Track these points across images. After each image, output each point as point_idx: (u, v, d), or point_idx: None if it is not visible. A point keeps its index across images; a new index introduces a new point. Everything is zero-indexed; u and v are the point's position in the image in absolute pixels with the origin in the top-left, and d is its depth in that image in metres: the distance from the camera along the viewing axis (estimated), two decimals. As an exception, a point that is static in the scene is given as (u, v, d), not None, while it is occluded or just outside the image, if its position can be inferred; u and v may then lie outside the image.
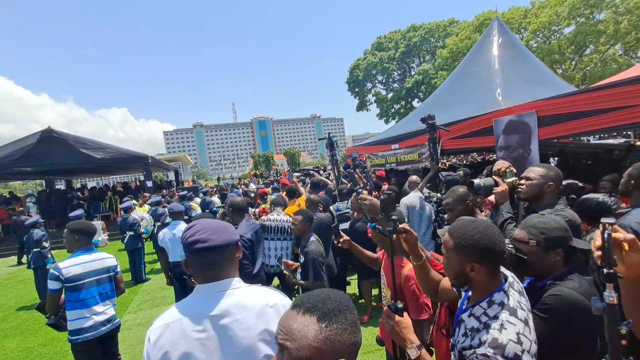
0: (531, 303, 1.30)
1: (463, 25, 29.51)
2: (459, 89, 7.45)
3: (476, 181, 2.33)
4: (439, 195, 3.99)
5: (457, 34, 28.45)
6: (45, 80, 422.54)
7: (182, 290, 4.31)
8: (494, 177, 2.37)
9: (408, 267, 2.05)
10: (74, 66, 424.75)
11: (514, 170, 2.38)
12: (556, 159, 8.28)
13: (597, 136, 11.25)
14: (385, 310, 1.39)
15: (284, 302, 1.18)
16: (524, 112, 4.06)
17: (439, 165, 4.34)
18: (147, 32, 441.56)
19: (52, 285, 2.73)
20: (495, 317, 1.15)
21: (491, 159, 11.08)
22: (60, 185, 22.24)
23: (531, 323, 1.18)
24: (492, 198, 2.34)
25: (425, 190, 4.26)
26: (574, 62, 22.67)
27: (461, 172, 5.32)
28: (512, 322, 1.12)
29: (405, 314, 1.36)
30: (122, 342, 4.35)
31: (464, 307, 1.33)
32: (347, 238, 2.47)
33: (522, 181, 2.19)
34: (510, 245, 1.53)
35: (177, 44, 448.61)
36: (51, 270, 2.75)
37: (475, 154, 17.96)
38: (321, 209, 4.39)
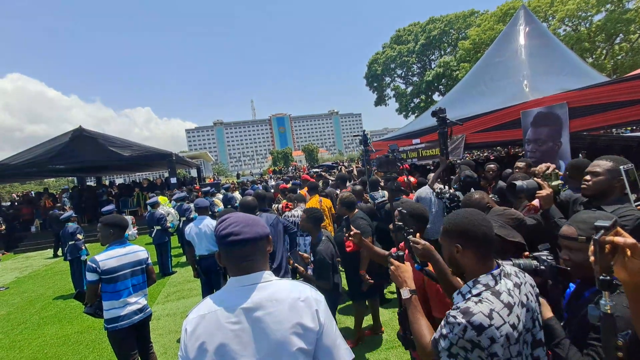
0: (576, 314, 1.24)
1: (485, 15, 28.45)
2: (483, 80, 7.23)
3: (518, 183, 2.18)
4: (451, 191, 3.91)
5: (479, 25, 27.50)
6: (75, 82, 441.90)
7: (208, 282, 4.44)
8: (536, 179, 2.21)
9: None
10: (100, 68, 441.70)
11: (560, 173, 2.23)
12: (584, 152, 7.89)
13: (629, 128, 10.64)
14: (388, 257, 1.61)
15: (316, 296, 1.19)
16: (554, 103, 3.90)
17: (448, 160, 4.25)
18: (168, 34, 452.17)
19: (90, 277, 2.88)
20: (477, 295, 1.19)
21: (518, 154, 10.71)
22: (91, 182, 23.24)
23: (517, 311, 1.17)
24: (536, 202, 2.20)
25: (437, 186, 4.17)
26: (604, 51, 21.50)
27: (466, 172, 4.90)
28: (491, 300, 1.15)
29: (407, 262, 1.56)
30: (152, 331, 4.50)
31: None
32: (358, 231, 2.29)
33: (588, 177, 2.00)
34: (551, 257, 1.47)
35: (197, 44, 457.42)
36: (89, 263, 2.89)
37: (499, 147, 17.39)
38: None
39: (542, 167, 2.28)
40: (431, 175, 4.66)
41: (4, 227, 12.32)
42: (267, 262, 1.24)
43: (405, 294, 1.44)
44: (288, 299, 1.13)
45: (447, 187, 4.01)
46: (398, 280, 1.51)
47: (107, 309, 2.91)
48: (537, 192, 2.13)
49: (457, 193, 3.94)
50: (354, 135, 6.86)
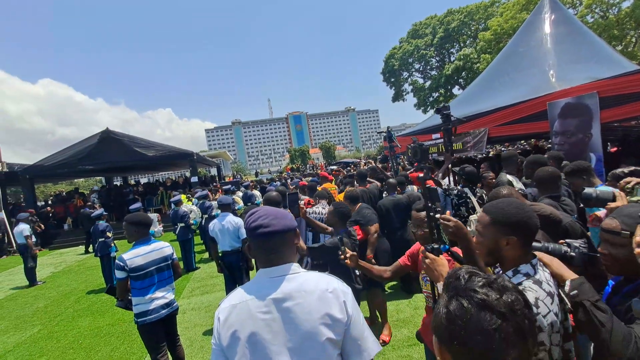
0: (614, 311, 1.16)
1: (508, 4, 27.42)
2: (507, 71, 6.99)
3: (588, 190, 1.96)
4: (458, 187, 3.84)
5: (501, 14, 26.55)
6: (100, 86, 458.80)
7: (231, 277, 4.54)
8: (615, 190, 1.99)
9: None
10: (123, 71, 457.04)
11: None
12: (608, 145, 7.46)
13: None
14: (422, 251, 1.53)
15: (343, 287, 1.21)
16: (583, 93, 3.73)
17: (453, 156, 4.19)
18: (186, 36, 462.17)
19: (118, 274, 3.01)
20: (519, 284, 1.15)
21: (544, 147, 10.30)
22: (118, 182, 24.18)
23: (557, 300, 1.17)
24: (601, 213, 2.03)
25: (444, 182, 4.10)
26: (634, 39, 20.31)
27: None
28: (534, 289, 1.13)
29: (441, 256, 1.49)
30: (179, 324, 4.66)
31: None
32: (354, 254, 2.12)
33: None
34: (584, 245, 1.43)
35: (214, 44, 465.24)
36: (117, 262, 3.03)
37: (523, 141, 16.74)
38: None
39: (628, 180, 2.06)
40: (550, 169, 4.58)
41: (42, 226, 13.05)
42: (295, 254, 1.27)
43: (441, 288, 1.40)
44: (317, 290, 1.15)
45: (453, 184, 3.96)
46: (434, 275, 1.46)
47: (135, 304, 3.04)
48: (610, 203, 1.91)
49: (465, 189, 3.91)
50: (379, 132, 6.94)
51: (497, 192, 2.21)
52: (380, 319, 3.87)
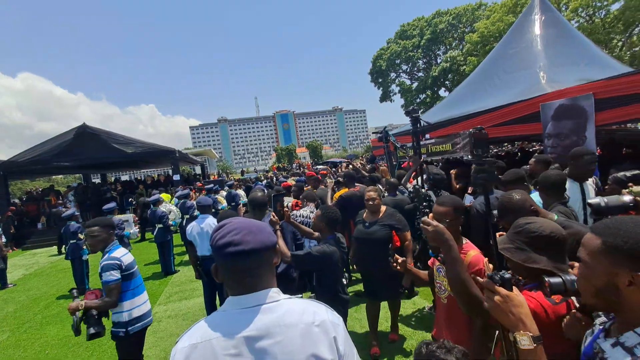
0: None
1: (495, 7, 27.81)
2: (496, 73, 6.93)
3: (595, 200, 1.77)
4: (423, 190, 3.73)
5: (488, 17, 26.91)
6: (80, 80, 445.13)
7: (210, 284, 4.28)
8: (626, 197, 1.80)
9: (470, 255, 1.85)
10: (104, 66, 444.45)
11: None
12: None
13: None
14: (486, 283, 1.09)
15: (333, 318, 0.99)
16: (578, 94, 3.64)
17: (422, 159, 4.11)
18: (169, 29, 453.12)
19: (114, 276, 2.59)
20: None
21: (532, 149, 10.35)
22: (96, 179, 23.33)
23: None
24: None
25: (410, 185, 4.01)
26: (620, 42, 20.78)
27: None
28: None
29: (515, 288, 1.05)
30: (154, 334, 4.40)
31: (600, 334, 0.97)
32: (405, 259, 2.10)
33: None
34: None
35: (199, 40, 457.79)
36: (109, 262, 2.62)
37: (506, 143, 16.90)
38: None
39: None
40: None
41: (13, 229, 12.51)
42: (274, 277, 1.03)
43: (525, 342, 0.96)
44: (300, 324, 0.93)
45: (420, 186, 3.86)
46: (509, 320, 1.02)
47: (128, 309, 2.67)
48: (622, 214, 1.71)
49: (429, 192, 3.90)
50: (374, 132, 6.70)
51: (509, 199, 1.93)
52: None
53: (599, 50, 7.20)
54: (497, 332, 1.27)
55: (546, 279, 1.06)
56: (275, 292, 0.99)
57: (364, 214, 3.46)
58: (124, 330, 2.65)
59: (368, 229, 3.30)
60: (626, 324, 0.87)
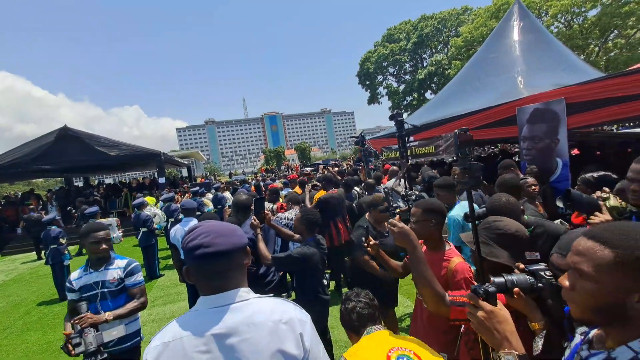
0: None
1: (478, 11, 28.48)
2: (477, 77, 7.14)
3: (577, 192, 1.86)
4: (416, 192, 3.82)
5: (472, 21, 27.53)
6: (61, 81, 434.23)
7: (194, 288, 4.26)
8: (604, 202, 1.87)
9: (454, 262, 1.87)
10: (86, 66, 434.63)
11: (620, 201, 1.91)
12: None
13: (628, 124, 10.50)
14: (470, 296, 1.04)
15: (300, 316, 1.04)
16: (551, 99, 3.80)
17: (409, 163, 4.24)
18: (154, 30, 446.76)
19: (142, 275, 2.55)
20: None
21: (512, 150, 10.65)
22: (79, 182, 22.76)
23: None
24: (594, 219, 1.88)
25: (400, 188, 4.07)
26: (597, 48, 21.51)
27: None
28: None
29: (500, 303, 1.00)
30: (137, 339, 4.36)
31: (581, 345, 0.90)
32: (376, 242, 2.15)
33: (635, 186, 1.72)
34: (549, 273, 1.17)
35: (185, 40, 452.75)
36: (137, 264, 2.55)
37: (489, 145, 17.30)
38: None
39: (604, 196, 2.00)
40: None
41: None
42: (244, 277, 1.07)
43: None
44: (268, 322, 0.97)
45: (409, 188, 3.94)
46: (494, 337, 0.97)
47: (136, 318, 2.53)
48: (595, 215, 1.81)
49: (423, 194, 3.93)
50: (350, 137, 7.05)
51: (505, 202, 1.94)
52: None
53: (574, 56, 7.48)
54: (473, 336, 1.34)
55: (492, 278, 1.11)
56: (244, 292, 1.03)
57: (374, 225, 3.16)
58: (138, 339, 2.52)
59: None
60: (622, 332, 0.78)
